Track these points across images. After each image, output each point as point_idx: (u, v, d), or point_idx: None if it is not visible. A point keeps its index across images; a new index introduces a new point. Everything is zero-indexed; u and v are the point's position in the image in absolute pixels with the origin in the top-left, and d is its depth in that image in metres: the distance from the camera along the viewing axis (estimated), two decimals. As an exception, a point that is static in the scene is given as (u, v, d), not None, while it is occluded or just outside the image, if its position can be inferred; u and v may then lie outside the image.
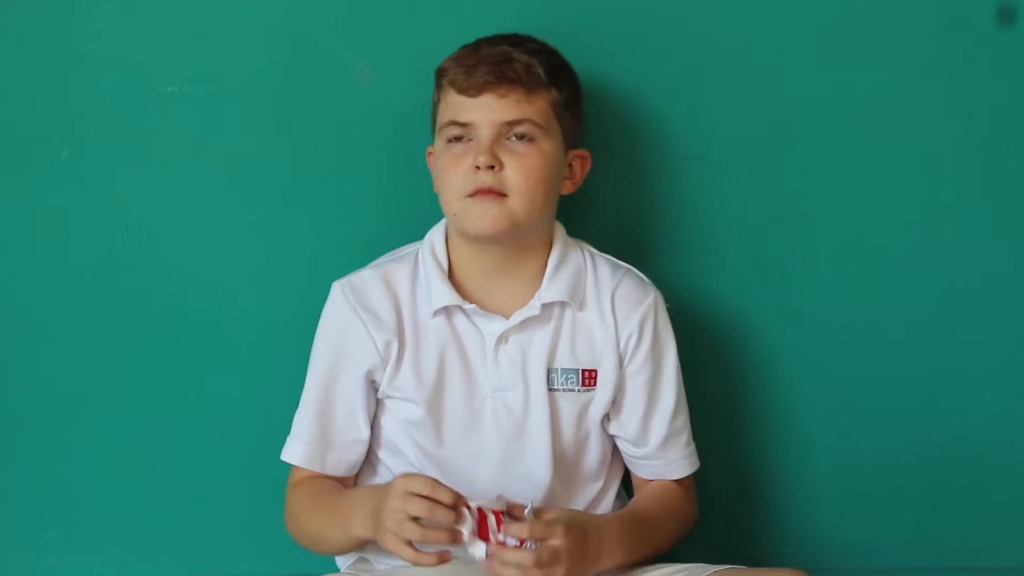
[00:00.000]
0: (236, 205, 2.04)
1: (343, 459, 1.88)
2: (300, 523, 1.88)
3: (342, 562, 1.92)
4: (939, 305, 2.10)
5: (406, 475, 1.71)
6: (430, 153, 1.90)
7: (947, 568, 2.12)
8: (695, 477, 1.96)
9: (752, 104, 2.05)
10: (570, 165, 1.88)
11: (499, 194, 1.80)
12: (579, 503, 1.88)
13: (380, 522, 1.70)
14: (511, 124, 1.81)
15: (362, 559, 1.90)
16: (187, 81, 2.00)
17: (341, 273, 1.91)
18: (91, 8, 1.99)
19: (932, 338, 2.10)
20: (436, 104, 1.86)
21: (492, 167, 1.79)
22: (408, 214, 1.97)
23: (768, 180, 2.06)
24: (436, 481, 1.69)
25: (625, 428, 1.90)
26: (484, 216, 1.80)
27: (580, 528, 1.73)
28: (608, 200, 2.05)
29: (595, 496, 1.90)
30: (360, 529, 1.77)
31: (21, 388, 2.05)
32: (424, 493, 1.67)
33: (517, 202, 1.81)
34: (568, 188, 1.89)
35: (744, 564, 1.83)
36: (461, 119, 1.81)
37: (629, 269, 1.92)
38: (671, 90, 2.04)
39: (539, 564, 1.68)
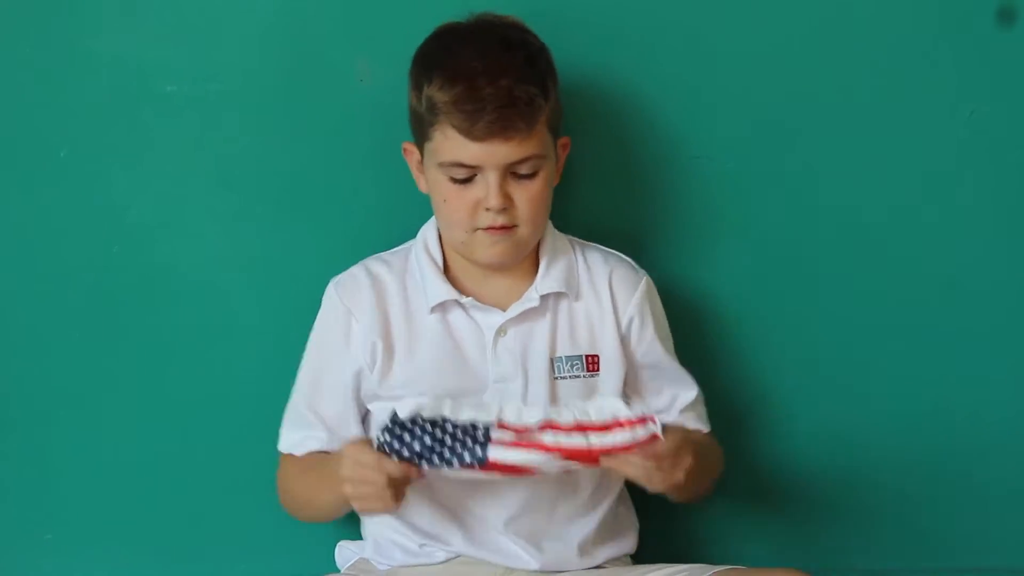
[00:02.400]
0: (234, 205, 2.03)
1: (322, 439, 1.88)
2: (292, 493, 1.89)
3: (342, 562, 1.93)
4: (941, 304, 2.09)
5: (352, 447, 1.70)
6: (406, 150, 1.88)
7: (948, 569, 2.12)
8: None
9: (753, 104, 2.05)
10: (556, 156, 1.87)
11: (510, 227, 1.81)
12: (584, 488, 1.87)
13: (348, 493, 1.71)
14: (517, 163, 1.79)
15: (362, 559, 1.90)
16: (186, 80, 1.99)
17: (338, 273, 1.91)
18: (89, 7, 1.98)
19: (933, 337, 2.10)
20: (422, 117, 1.81)
21: (504, 208, 1.80)
22: (406, 214, 1.97)
23: (769, 180, 2.06)
24: (380, 457, 1.67)
25: (652, 406, 1.87)
26: (495, 248, 1.82)
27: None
28: (607, 199, 2.06)
29: (599, 482, 1.88)
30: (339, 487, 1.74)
31: (18, 388, 2.04)
32: (371, 476, 1.68)
33: (526, 229, 1.82)
34: (555, 180, 1.88)
35: (744, 564, 1.82)
36: (467, 162, 1.79)
37: (618, 256, 1.94)
38: (673, 89, 2.03)
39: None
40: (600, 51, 2.01)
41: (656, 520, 1.97)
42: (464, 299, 1.85)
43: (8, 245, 2.02)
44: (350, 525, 1.93)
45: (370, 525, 1.90)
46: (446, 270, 1.88)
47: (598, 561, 1.87)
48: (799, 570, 1.77)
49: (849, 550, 2.12)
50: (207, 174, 2.02)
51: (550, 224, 1.90)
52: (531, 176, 1.80)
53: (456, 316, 1.86)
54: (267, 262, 2.04)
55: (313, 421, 1.87)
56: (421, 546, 1.86)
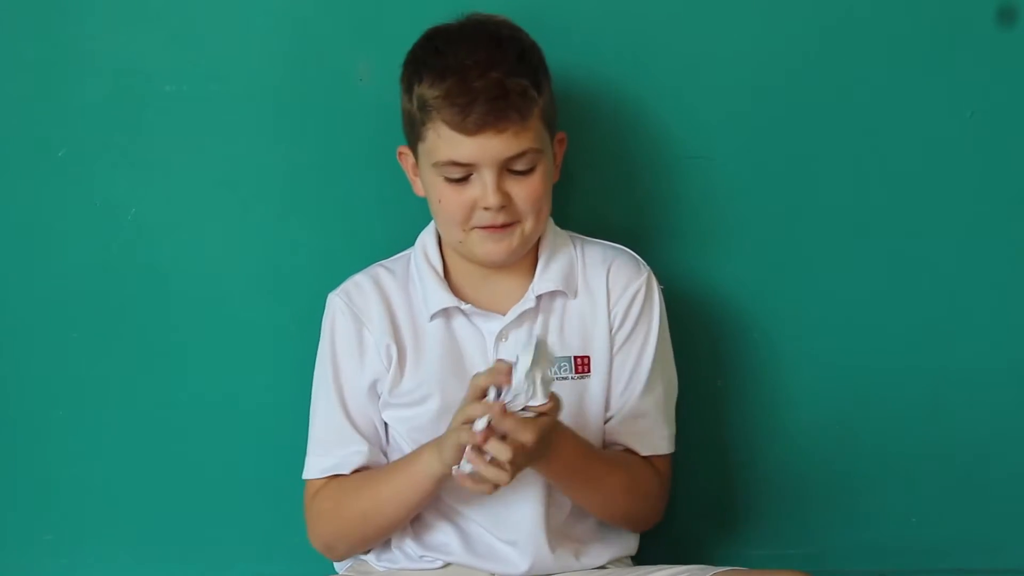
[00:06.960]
0: (234, 205, 2.03)
1: (364, 452, 1.85)
2: (345, 511, 1.82)
3: (340, 565, 1.92)
4: (941, 304, 2.10)
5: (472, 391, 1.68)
6: (401, 154, 1.87)
7: (950, 570, 2.12)
8: (684, 472, 1.97)
9: (752, 104, 2.05)
10: (553, 153, 1.86)
11: (511, 225, 1.79)
12: None
13: (441, 452, 1.70)
14: (513, 158, 1.77)
15: (360, 560, 1.90)
16: (186, 80, 2.00)
17: (340, 273, 1.91)
18: (89, 7, 1.98)
19: (933, 337, 2.10)
20: (414, 117, 1.79)
21: (503, 206, 1.78)
22: (407, 215, 1.97)
23: (767, 181, 2.06)
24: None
25: (610, 405, 1.87)
26: (496, 247, 1.80)
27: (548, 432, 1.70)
28: (605, 199, 2.06)
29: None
30: (426, 463, 1.73)
31: (19, 388, 2.04)
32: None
33: (528, 225, 1.80)
34: (555, 176, 1.87)
35: (745, 566, 1.82)
36: (461, 160, 1.76)
37: (622, 249, 1.91)
38: (671, 89, 2.03)
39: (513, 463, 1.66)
40: (598, 51, 2.01)
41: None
42: (464, 306, 1.84)
43: (7, 245, 2.02)
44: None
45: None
46: (446, 275, 1.86)
47: (600, 562, 1.86)
48: (800, 571, 1.76)
49: (850, 551, 2.12)
50: (206, 174, 2.02)
51: (551, 221, 1.89)
52: (528, 172, 1.78)
53: (458, 322, 1.85)
54: (266, 262, 2.04)
55: (350, 436, 1.84)
56: (421, 557, 1.86)
